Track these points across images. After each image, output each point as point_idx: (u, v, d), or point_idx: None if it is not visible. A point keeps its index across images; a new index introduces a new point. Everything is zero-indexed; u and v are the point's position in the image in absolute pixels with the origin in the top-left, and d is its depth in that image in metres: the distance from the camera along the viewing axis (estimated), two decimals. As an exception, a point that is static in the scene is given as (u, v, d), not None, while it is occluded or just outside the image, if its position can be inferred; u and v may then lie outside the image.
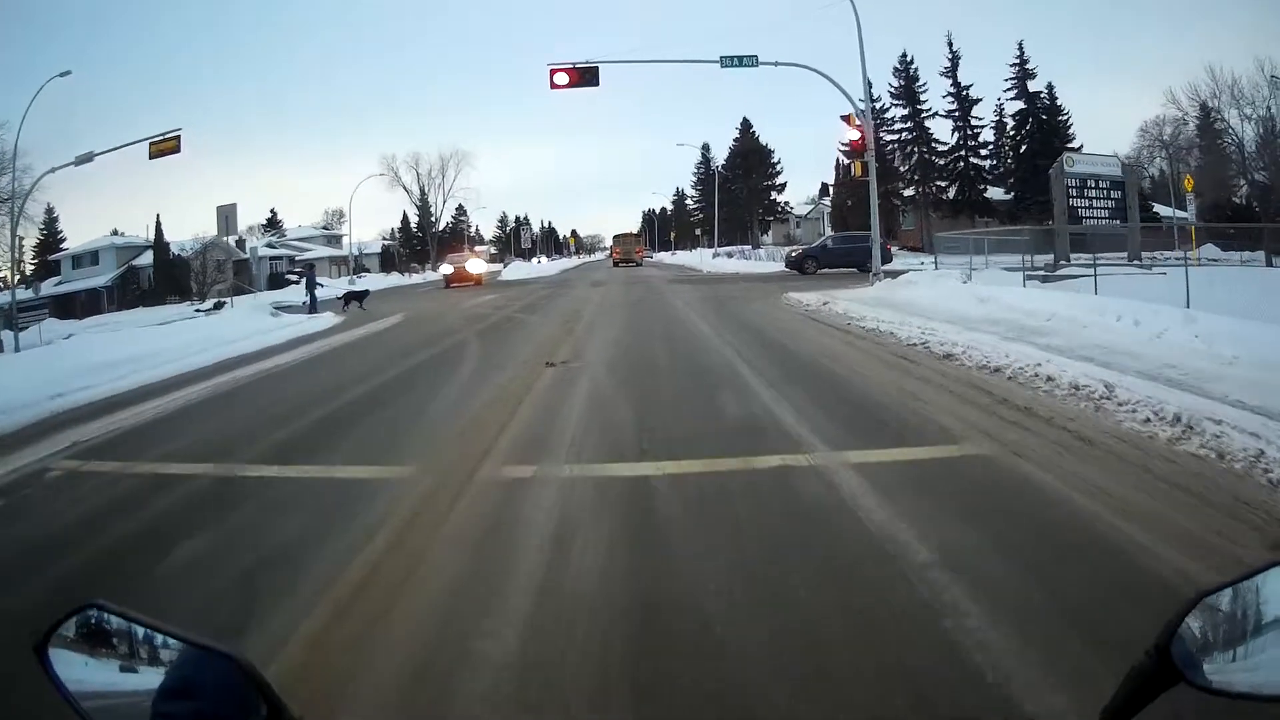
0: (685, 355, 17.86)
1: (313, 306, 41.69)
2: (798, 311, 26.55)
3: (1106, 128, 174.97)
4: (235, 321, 34.12)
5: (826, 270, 51.55)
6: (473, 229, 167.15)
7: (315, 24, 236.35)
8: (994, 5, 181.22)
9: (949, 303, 23.30)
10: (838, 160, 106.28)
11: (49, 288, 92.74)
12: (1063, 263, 33.35)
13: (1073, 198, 33.41)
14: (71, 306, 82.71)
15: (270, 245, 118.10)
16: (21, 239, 59.19)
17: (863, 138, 39.14)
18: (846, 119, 39.04)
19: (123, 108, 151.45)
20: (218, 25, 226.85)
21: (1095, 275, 24.35)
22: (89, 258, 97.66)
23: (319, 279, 46.70)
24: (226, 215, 44.24)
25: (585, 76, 38.34)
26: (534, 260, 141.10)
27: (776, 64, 38.79)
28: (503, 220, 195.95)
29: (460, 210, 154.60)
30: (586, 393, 13.55)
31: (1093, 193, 33.84)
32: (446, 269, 68.98)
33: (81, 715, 1.65)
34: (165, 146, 45.47)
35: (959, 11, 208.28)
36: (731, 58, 38.39)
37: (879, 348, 17.16)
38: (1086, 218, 33.75)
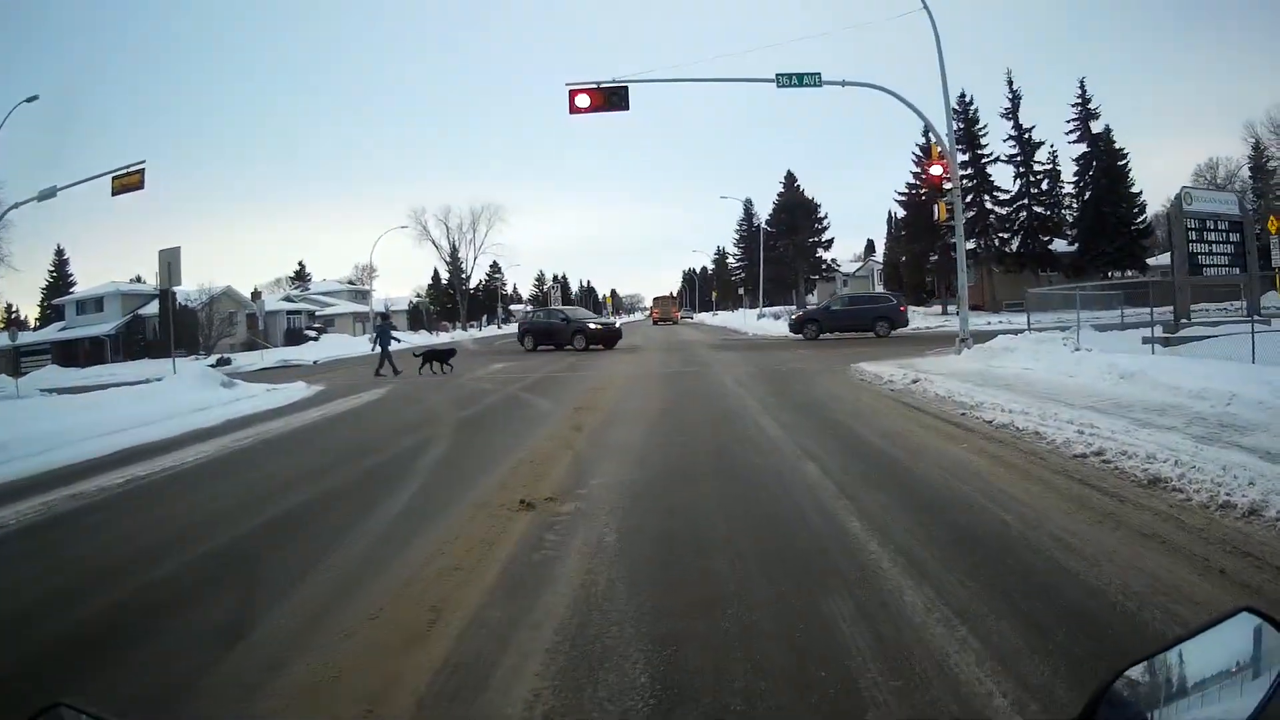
0: (750, 488, 12.11)
1: (388, 365, 39.86)
2: (882, 392, 22.29)
3: (1158, 173, 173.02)
4: (168, 394, 30.49)
5: (828, 336, 50.39)
6: (508, 287, 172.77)
7: (347, 75, 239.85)
8: (1044, 44, 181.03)
9: (1078, 380, 19.96)
10: (890, 214, 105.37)
11: (52, 333, 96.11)
12: (1183, 321, 29.21)
13: (1192, 242, 29.28)
14: (75, 354, 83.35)
15: (289, 299, 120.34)
16: None
17: (946, 171, 35.56)
18: (927, 151, 36.28)
19: (151, 153, 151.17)
20: (248, 73, 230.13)
21: (1254, 335, 20.18)
22: (93, 304, 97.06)
23: (395, 332, 44.60)
24: (169, 261, 40.79)
25: (611, 99, 34.62)
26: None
27: (844, 83, 34.70)
28: (540, 278, 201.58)
29: (495, 267, 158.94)
30: (570, 607, 7.54)
31: (1212, 236, 29.67)
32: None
33: None
34: (128, 181, 43.85)
35: (1011, 50, 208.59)
36: (789, 75, 34.34)
37: (1037, 464, 12.36)
38: (1207, 265, 29.63)
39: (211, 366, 51.88)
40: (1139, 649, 2.23)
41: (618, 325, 50.30)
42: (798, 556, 8.63)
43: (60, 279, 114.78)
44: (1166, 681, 2.09)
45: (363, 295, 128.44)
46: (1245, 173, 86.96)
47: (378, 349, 41.78)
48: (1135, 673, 2.06)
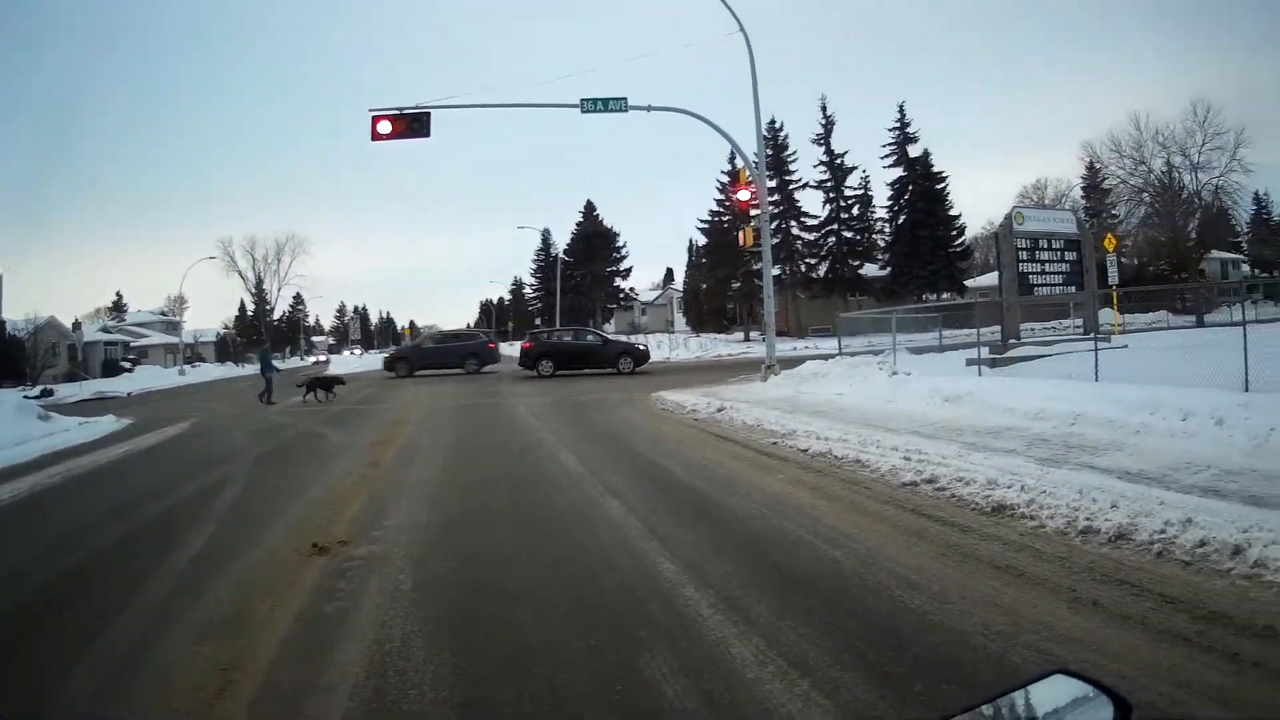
0: (552, 529, 11.31)
1: (268, 395, 39.16)
2: (685, 421, 21.87)
3: (985, 196, 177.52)
4: None
5: (425, 372, 51.57)
6: (310, 319, 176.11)
7: (158, 102, 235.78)
8: (864, 71, 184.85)
9: (899, 404, 19.66)
10: (691, 241, 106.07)
11: None
12: (1012, 341, 29.08)
13: (1023, 261, 29.09)
14: None
15: (106, 330, 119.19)
16: None
17: (753, 196, 35.05)
18: (734, 177, 35.92)
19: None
20: (63, 102, 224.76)
21: (1096, 353, 19.86)
22: None
23: (275, 362, 43.57)
24: None
25: (413, 125, 33.84)
26: (360, 354, 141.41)
27: (649, 108, 34.30)
28: (341, 310, 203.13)
29: (298, 299, 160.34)
30: (365, 667, 6.87)
31: (1045, 255, 29.69)
32: None
33: None
34: None
35: (828, 77, 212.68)
36: (595, 100, 33.70)
37: (862, 494, 11.82)
38: (1038, 285, 29.50)
39: (34, 398, 50.53)
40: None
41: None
42: (608, 605, 8.03)
43: None
44: None
45: (173, 326, 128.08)
46: (1077, 192, 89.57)
47: (264, 376, 41.04)
48: None
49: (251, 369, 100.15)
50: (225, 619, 8.37)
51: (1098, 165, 79.88)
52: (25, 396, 47.95)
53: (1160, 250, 71.67)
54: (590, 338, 49.27)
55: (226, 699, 6.44)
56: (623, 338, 55.49)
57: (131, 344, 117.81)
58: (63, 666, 7.41)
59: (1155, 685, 5.51)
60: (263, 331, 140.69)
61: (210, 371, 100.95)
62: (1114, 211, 75.99)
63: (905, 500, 11.17)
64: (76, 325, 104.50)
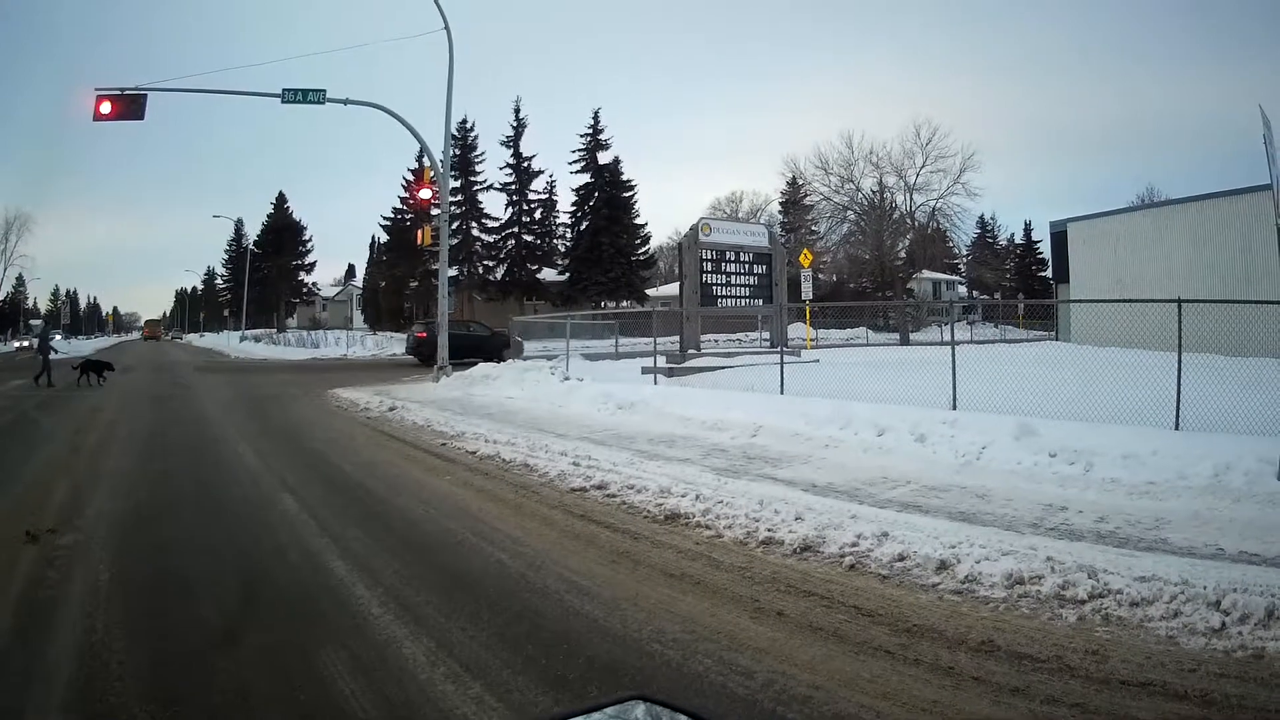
0: (231, 521, 11.12)
1: (46, 376, 36.27)
2: (358, 419, 21.78)
3: (673, 206, 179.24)
4: None
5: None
6: (30, 301, 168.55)
7: None
8: (563, 76, 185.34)
9: (570, 409, 19.81)
10: (374, 238, 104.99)
11: None
12: (691, 351, 29.53)
13: (707, 273, 28.96)
14: None
15: None
16: None
17: (435, 195, 35.54)
18: (418, 174, 35.51)
19: None
20: None
21: (782, 365, 19.92)
22: None
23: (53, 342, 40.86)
24: None
25: (131, 107, 32.63)
26: (68, 339, 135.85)
27: (346, 101, 33.85)
28: (54, 293, 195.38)
29: (20, 280, 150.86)
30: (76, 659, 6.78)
31: (732, 267, 29.71)
32: None
33: None
34: None
35: (526, 80, 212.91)
36: (295, 91, 33.31)
37: (530, 498, 11.77)
38: (723, 296, 29.46)
39: None
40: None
41: None
42: (283, 601, 8.00)
43: None
44: None
45: None
46: (775, 207, 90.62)
47: (39, 356, 38.41)
48: None
49: None
50: None
51: (800, 181, 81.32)
52: None
53: (863, 268, 72.81)
54: (477, 329, 48.83)
55: None
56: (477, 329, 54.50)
57: None
58: None
59: (855, 697, 5.49)
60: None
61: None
62: (814, 227, 77.36)
63: (574, 506, 11.13)
64: None
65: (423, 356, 43.93)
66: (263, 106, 40.16)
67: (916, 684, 5.70)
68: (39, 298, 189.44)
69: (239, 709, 5.71)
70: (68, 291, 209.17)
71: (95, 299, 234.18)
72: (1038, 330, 49.80)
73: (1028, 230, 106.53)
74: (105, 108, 32.26)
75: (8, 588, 8.51)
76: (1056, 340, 39.68)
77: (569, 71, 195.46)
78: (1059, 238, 46.40)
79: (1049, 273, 66.27)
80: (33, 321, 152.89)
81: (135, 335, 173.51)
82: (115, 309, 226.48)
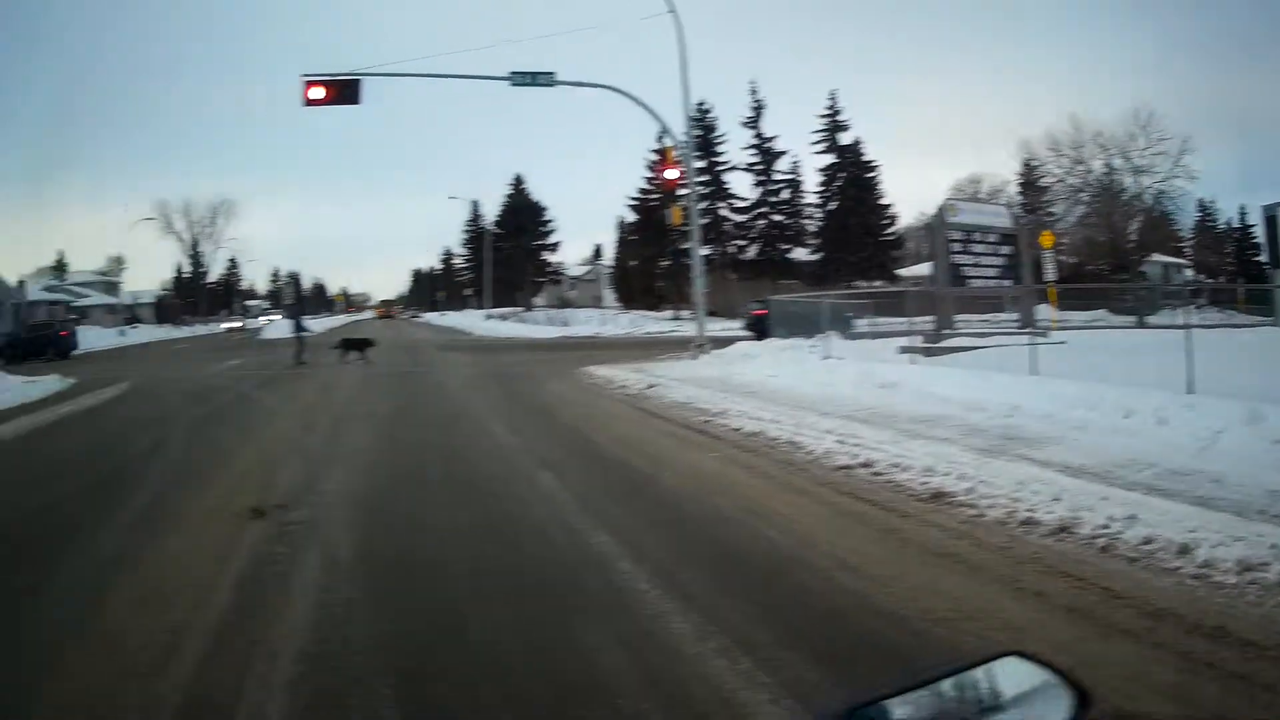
0: (486, 498, 11.23)
1: (300, 354, 37.37)
2: (616, 397, 21.71)
3: (913, 187, 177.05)
4: None
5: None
6: (244, 283, 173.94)
7: (92, 64, 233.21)
8: (796, 56, 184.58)
9: (832, 389, 19.29)
10: (620, 219, 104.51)
11: None
12: (945, 331, 29.29)
13: (955, 253, 28.99)
14: None
15: (49, 289, 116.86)
16: None
17: (681, 175, 35.46)
18: (661, 155, 35.84)
19: None
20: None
21: (1034, 346, 19.75)
22: None
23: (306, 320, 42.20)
24: None
25: (344, 92, 33.31)
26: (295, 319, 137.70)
27: (578, 84, 34.29)
28: (274, 275, 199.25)
29: (233, 262, 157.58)
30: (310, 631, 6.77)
31: (979, 248, 29.59)
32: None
33: None
34: None
35: (759, 61, 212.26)
36: (525, 74, 33.33)
37: (798, 475, 11.58)
38: (972, 276, 29.42)
39: None
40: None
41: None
42: (544, 578, 7.99)
43: None
44: (927, 715, 2.03)
45: (113, 287, 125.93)
46: (1013, 189, 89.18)
47: (294, 336, 39.47)
48: (894, 704, 1.99)
49: (189, 331, 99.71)
50: (167, 583, 8.12)
51: (1034, 163, 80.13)
52: None
53: (1098, 250, 71.41)
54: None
55: (173, 664, 6.19)
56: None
57: (72, 304, 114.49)
58: None
59: (1106, 680, 5.27)
60: (199, 294, 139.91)
61: (150, 333, 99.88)
62: (1051, 209, 76.15)
63: (841, 483, 10.90)
64: (21, 284, 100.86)
65: (759, 333, 42.37)
66: (494, 90, 40.67)
67: (1157, 667, 5.60)
68: (256, 280, 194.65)
69: (493, 687, 5.71)
70: (289, 272, 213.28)
71: (320, 280, 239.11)
72: (1257, 315, 47.92)
73: (1242, 214, 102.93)
74: (316, 93, 32.96)
75: (229, 563, 8.64)
76: (1277, 326, 37.90)
77: (800, 53, 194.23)
78: (1271, 221, 45.27)
79: (1265, 256, 64.51)
80: (248, 303, 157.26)
81: (368, 315, 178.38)
82: (345, 289, 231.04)
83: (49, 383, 31.21)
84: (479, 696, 5.57)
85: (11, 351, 50.82)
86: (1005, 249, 30.34)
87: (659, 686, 5.46)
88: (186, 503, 11.59)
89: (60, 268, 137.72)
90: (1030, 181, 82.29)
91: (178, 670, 6.06)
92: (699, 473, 12.12)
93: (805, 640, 5.93)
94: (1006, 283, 30.91)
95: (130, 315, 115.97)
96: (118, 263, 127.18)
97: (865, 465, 11.53)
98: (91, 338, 79.16)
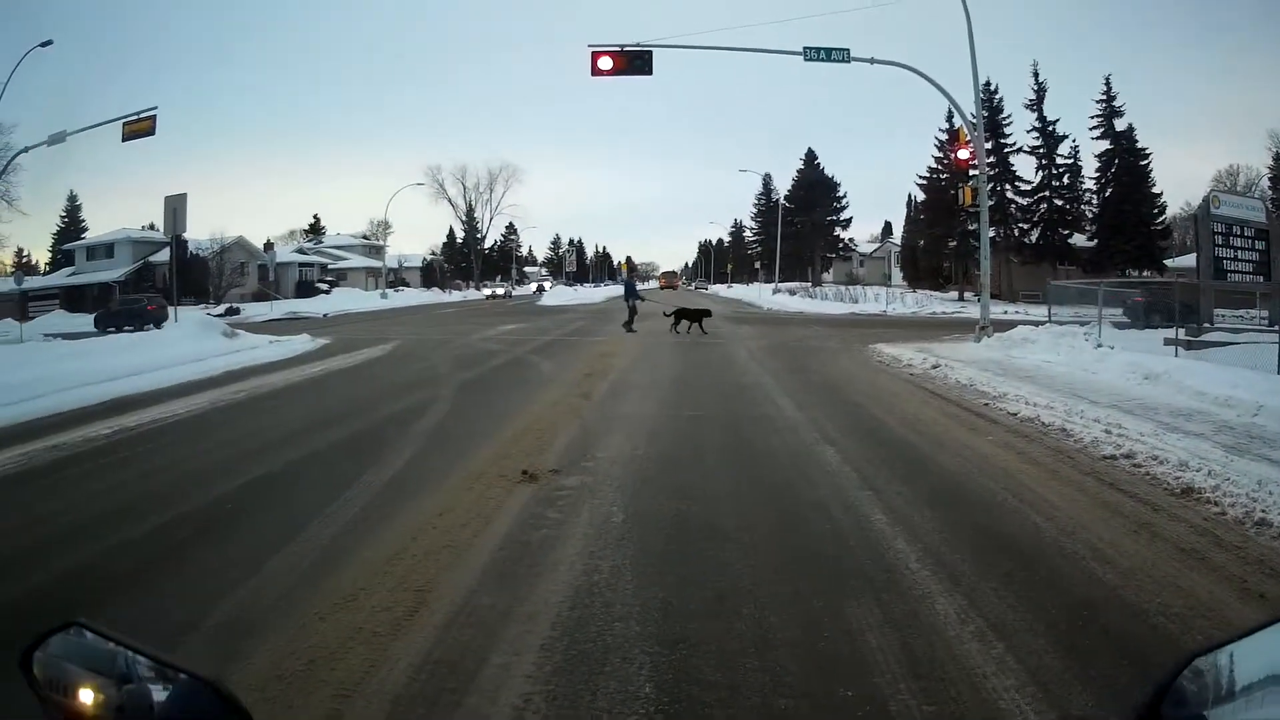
0: (766, 471, 11.36)
1: (630, 322, 37.69)
2: (901, 376, 21.58)
3: (1178, 176, 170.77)
4: (167, 342, 29.53)
5: None
6: (523, 249, 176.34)
7: (366, 25, 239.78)
8: (1070, 40, 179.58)
9: (1101, 377, 19.10)
10: (910, 197, 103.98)
11: (61, 278, 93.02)
12: (1206, 325, 28.37)
13: (1218, 246, 28.28)
14: (83, 300, 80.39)
15: (302, 251, 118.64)
16: None
17: (972, 155, 34.79)
18: (952, 135, 35.61)
19: (165, 98, 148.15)
20: (265, 19, 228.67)
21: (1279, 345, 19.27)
22: (104, 250, 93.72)
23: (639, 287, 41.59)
24: (175, 208, 40.12)
25: (634, 62, 33.23)
26: (575, 287, 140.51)
27: (871, 61, 33.45)
28: (555, 242, 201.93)
29: (510, 229, 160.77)
30: (569, 598, 6.86)
31: (1237, 241, 28.57)
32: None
33: None
34: (139, 127, 41.96)
35: (1037, 43, 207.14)
36: (817, 49, 32.92)
37: (1065, 463, 11.52)
38: (1231, 270, 28.63)
39: (219, 316, 51.08)
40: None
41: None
42: (818, 552, 8.00)
43: (72, 224, 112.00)
44: (1240, 676, 1.80)
45: (376, 250, 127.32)
46: (1265, 183, 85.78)
47: (627, 303, 39.33)
48: (1204, 664, 1.82)
49: (459, 295, 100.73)
50: (423, 542, 8.36)
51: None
52: (208, 314, 48.12)
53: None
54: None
55: (419, 620, 6.45)
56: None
57: (329, 266, 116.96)
58: (239, 575, 7.43)
59: None
60: (473, 259, 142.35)
61: (414, 296, 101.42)
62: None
63: (1104, 473, 10.85)
64: (269, 245, 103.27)
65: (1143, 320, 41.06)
66: (784, 65, 40.59)
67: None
68: (533, 245, 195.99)
69: (754, 660, 5.68)
70: (571, 240, 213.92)
71: (603, 248, 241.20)
72: None
73: None
74: (605, 63, 32.90)
75: (493, 526, 8.80)
76: None
77: (1076, 34, 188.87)
78: None
79: None
80: (527, 269, 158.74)
81: (651, 284, 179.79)
82: (629, 258, 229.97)
83: (297, 342, 31.98)
84: (737, 669, 5.56)
85: (103, 324, 52.51)
86: (1259, 244, 29.29)
87: (917, 668, 5.50)
88: (453, 462, 11.93)
89: (316, 230, 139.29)
90: (1280, 175, 79.24)
91: (420, 632, 6.23)
92: (975, 455, 12.13)
93: (1055, 630, 5.99)
94: (1260, 279, 29.78)
95: (394, 278, 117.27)
96: (382, 227, 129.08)
97: (1127, 456, 11.52)
98: (346, 300, 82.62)
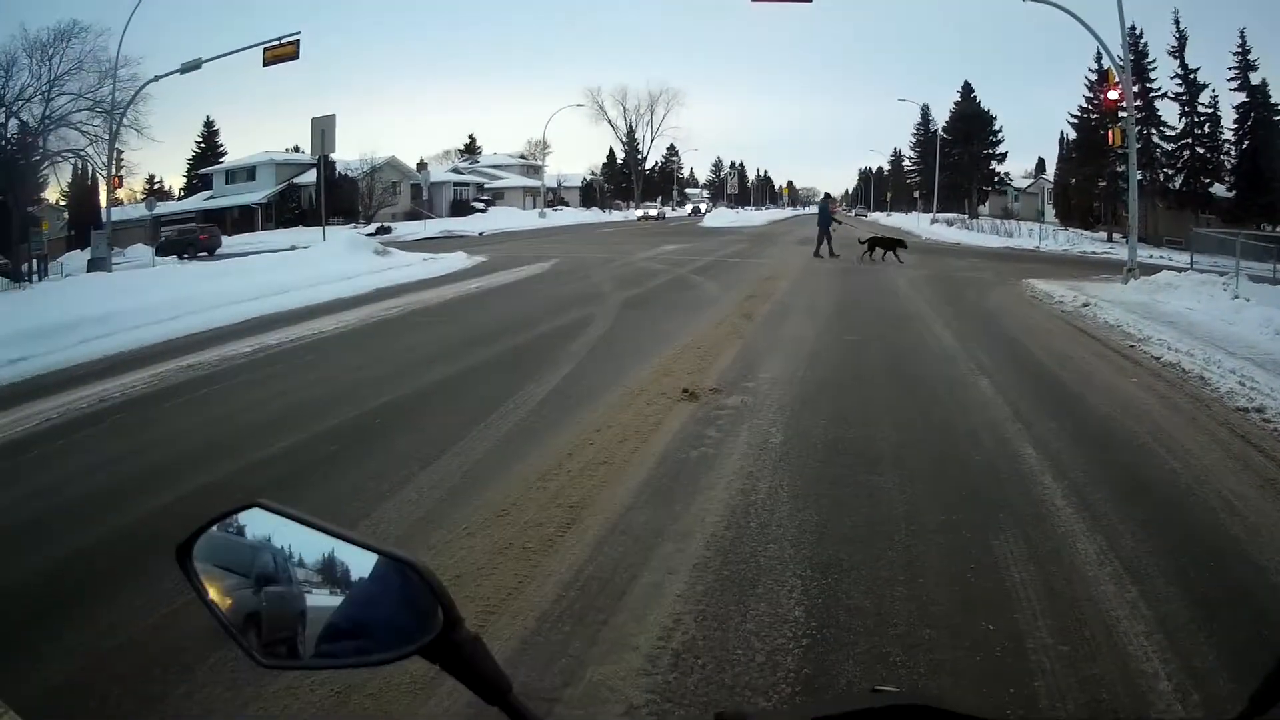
0: (922, 400, 11.46)
1: (827, 246, 36.87)
2: (1052, 312, 21.35)
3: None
4: (314, 261, 29.56)
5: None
6: (684, 171, 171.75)
7: None
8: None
9: (1236, 328, 18.54)
10: (1062, 135, 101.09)
11: (197, 202, 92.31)
12: None
13: None
14: (222, 223, 79.61)
15: (457, 171, 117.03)
16: (120, 153, 55.96)
17: (1121, 96, 34.07)
18: (1101, 75, 35.01)
19: (307, 22, 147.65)
20: None
21: None
22: (245, 173, 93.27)
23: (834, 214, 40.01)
24: (323, 129, 40.56)
25: None
26: (736, 209, 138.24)
27: None
28: (716, 165, 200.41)
29: (671, 150, 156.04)
30: (724, 518, 7.00)
31: None
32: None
33: (223, 625, 1.52)
34: (282, 52, 42.35)
35: None
36: None
37: (1202, 411, 11.18)
38: None
39: (370, 235, 51.28)
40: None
41: None
42: (969, 483, 8.06)
43: (209, 150, 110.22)
44: None
45: (534, 170, 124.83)
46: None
47: (820, 228, 37.81)
48: None
49: (620, 215, 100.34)
50: (579, 458, 8.42)
51: None
52: (359, 233, 48.17)
53: None
54: None
55: (570, 537, 6.51)
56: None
57: (485, 185, 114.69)
58: (388, 487, 7.69)
59: None
60: (633, 181, 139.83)
61: (574, 216, 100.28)
62: None
63: (1237, 425, 10.53)
64: (421, 165, 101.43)
65: None
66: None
67: None
68: (695, 168, 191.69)
69: (901, 588, 5.75)
70: (732, 163, 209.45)
71: (765, 172, 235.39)
72: None
73: None
74: None
75: (652, 443, 8.92)
76: None
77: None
78: None
79: None
80: (688, 191, 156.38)
81: (812, 209, 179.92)
82: (790, 183, 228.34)
83: (452, 260, 31.71)
84: (885, 597, 5.64)
85: (164, 253, 52.60)
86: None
87: (1055, 604, 5.55)
88: (613, 379, 12.14)
89: (471, 150, 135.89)
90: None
91: (573, 546, 6.34)
92: (1119, 395, 12.04)
93: (1185, 579, 5.96)
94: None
95: (553, 198, 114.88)
96: (541, 146, 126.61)
97: (1259, 410, 11.22)
98: (502, 219, 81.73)
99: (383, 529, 6.68)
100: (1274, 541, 6.81)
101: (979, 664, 4.87)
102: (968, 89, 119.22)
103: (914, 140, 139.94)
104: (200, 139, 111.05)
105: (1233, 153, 79.98)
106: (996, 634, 5.17)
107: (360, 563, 1.52)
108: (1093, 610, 5.48)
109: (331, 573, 1.54)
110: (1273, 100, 77.37)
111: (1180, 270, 30.53)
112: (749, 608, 5.42)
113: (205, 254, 48.63)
